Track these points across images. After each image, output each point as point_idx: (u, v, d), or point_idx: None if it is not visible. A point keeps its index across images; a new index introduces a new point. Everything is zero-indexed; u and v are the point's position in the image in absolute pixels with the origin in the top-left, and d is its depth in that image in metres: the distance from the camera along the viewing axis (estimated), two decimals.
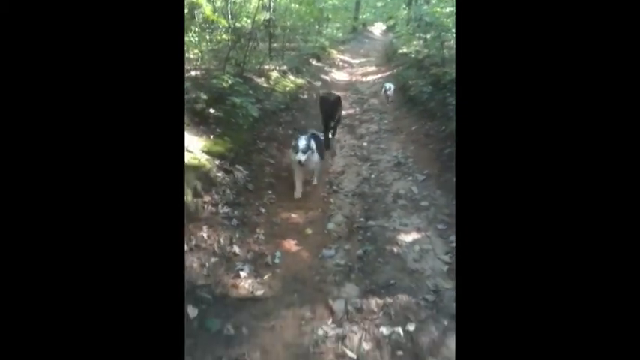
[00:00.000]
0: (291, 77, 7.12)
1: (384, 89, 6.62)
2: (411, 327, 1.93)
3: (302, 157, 3.11)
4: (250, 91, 4.51)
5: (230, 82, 4.20)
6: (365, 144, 4.77)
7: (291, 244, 2.67)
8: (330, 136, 4.40)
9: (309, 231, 2.85)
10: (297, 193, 3.36)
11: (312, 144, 3.25)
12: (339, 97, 4.63)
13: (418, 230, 2.80)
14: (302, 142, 3.14)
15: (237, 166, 3.44)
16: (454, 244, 2.55)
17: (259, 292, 2.20)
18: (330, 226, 2.92)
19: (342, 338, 1.89)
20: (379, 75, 9.40)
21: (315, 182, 3.57)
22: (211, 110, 3.96)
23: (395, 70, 9.06)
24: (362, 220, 2.99)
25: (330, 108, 4.45)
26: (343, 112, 6.26)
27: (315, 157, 3.33)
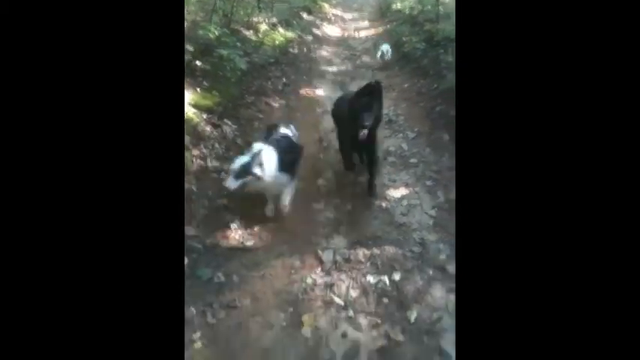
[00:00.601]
0: (281, 30, 6.85)
1: (380, 53, 5.97)
2: (397, 276, 2.00)
3: (232, 184, 2.06)
4: (238, 44, 4.33)
5: (217, 33, 4.03)
6: None
7: None
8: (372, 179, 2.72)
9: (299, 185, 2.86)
10: (268, 210, 2.49)
11: (270, 159, 2.17)
12: (378, 85, 2.43)
13: (406, 186, 2.83)
14: (239, 161, 2.09)
15: (225, 120, 3.38)
16: (441, 200, 2.60)
17: (249, 243, 2.24)
18: (320, 181, 2.94)
19: (330, 286, 1.95)
20: (372, 31, 9.10)
21: (285, 203, 2.41)
22: (198, 63, 3.82)
23: (388, 26, 8.77)
24: (351, 175, 3.01)
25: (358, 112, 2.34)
26: (334, 69, 6.02)
27: (279, 177, 2.25)
